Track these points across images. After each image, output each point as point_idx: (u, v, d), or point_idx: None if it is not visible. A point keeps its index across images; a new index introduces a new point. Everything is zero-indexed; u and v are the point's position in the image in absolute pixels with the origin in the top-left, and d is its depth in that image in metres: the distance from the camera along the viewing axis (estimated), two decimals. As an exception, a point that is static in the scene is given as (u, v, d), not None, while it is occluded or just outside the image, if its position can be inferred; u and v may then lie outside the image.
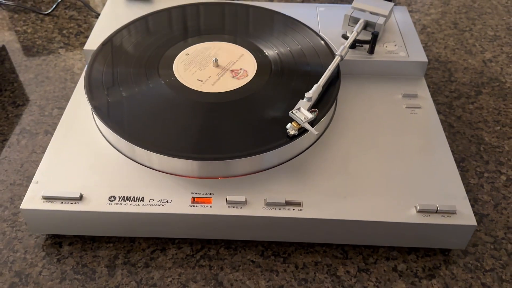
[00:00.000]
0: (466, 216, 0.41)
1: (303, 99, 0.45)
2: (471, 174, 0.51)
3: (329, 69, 0.48)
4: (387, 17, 0.55)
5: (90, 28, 0.70)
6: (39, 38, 0.68)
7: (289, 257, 0.43)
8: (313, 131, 0.42)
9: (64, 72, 0.62)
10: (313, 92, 0.45)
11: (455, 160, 0.51)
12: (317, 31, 0.56)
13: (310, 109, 0.44)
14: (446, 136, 0.49)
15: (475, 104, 0.59)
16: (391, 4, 0.56)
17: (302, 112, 0.43)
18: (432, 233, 0.41)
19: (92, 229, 0.42)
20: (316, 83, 0.47)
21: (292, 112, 0.43)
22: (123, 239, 0.44)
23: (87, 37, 0.68)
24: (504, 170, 0.51)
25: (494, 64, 0.65)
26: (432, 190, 0.43)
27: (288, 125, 0.43)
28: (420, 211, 0.41)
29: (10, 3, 0.73)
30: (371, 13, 0.55)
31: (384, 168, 0.44)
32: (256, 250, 0.43)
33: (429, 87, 0.61)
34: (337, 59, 0.49)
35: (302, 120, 0.42)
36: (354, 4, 0.56)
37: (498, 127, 0.56)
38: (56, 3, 0.72)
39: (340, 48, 0.50)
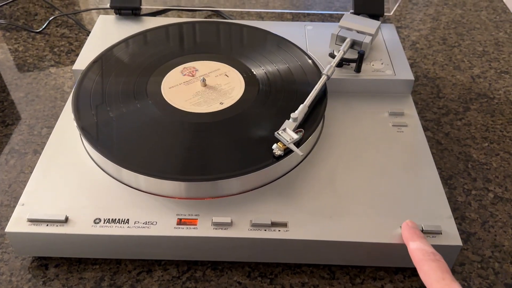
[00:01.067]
0: (451, 236, 0.41)
1: (289, 119, 0.45)
2: (459, 191, 0.51)
3: (316, 89, 0.48)
4: (374, 36, 0.56)
5: (81, 46, 0.70)
6: (30, 56, 0.68)
7: (276, 278, 0.43)
8: (298, 152, 0.43)
9: (54, 91, 0.62)
10: (299, 112, 0.45)
11: (443, 178, 0.52)
12: (305, 50, 0.57)
13: (296, 129, 0.44)
14: (433, 153, 0.49)
15: (463, 120, 0.59)
16: (378, 22, 0.57)
17: (287, 133, 0.43)
18: (418, 253, 0.41)
19: (78, 251, 0.42)
20: (303, 102, 0.47)
21: (277, 133, 0.44)
22: (109, 260, 0.44)
23: (78, 55, 0.68)
24: (491, 187, 0.51)
25: (482, 80, 0.66)
26: (418, 210, 0.43)
27: (274, 146, 0.43)
28: (405, 231, 0.41)
29: (2, 21, 0.74)
30: (358, 31, 0.56)
31: (370, 187, 0.44)
32: (243, 271, 0.43)
33: (417, 103, 0.61)
34: (323, 79, 0.50)
35: (287, 141, 0.43)
36: (341, 23, 0.57)
37: (486, 144, 0.56)
38: (47, 21, 0.73)
39: (327, 67, 0.50)
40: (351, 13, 0.63)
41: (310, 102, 0.47)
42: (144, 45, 0.57)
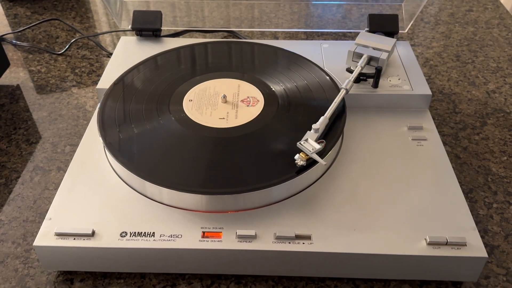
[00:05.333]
0: (476, 248, 0.41)
1: (310, 130, 0.46)
2: (480, 205, 0.51)
3: (335, 102, 0.49)
4: (390, 52, 0.57)
5: (101, 66, 0.72)
6: (53, 77, 0.70)
7: (299, 292, 0.43)
8: (321, 161, 0.43)
9: (77, 110, 0.64)
10: (320, 123, 0.46)
11: (463, 191, 0.52)
12: (322, 67, 0.58)
13: (318, 140, 0.45)
14: (453, 167, 0.49)
15: (481, 135, 0.60)
16: (394, 40, 0.58)
17: (309, 143, 0.44)
18: (443, 265, 0.41)
19: (104, 265, 0.42)
20: (323, 115, 0.48)
21: (300, 143, 0.44)
22: (134, 275, 0.44)
23: (99, 75, 0.70)
24: (513, 200, 0.51)
25: (497, 95, 0.66)
26: (441, 222, 0.43)
27: (296, 156, 0.44)
28: (430, 244, 0.41)
29: (25, 44, 0.76)
30: (374, 48, 0.57)
31: (392, 200, 0.45)
32: (267, 285, 0.43)
33: (434, 118, 0.62)
34: (342, 92, 0.50)
35: (310, 151, 0.43)
36: (357, 40, 0.58)
37: (505, 157, 0.56)
38: (69, 44, 0.75)
39: (345, 81, 0.51)
40: (366, 31, 0.64)
41: (330, 114, 0.48)
42: (167, 64, 0.58)
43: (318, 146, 0.44)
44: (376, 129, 0.52)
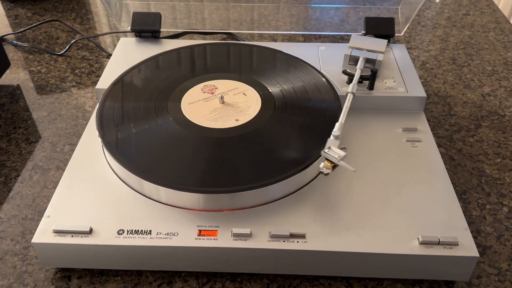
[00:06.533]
0: (468, 248, 0.41)
1: (330, 138, 0.45)
2: (473, 206, 0.51)
3: (346, 107, 0.49)
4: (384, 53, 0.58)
5: (101, 67, 0.73)
6: (52, 77, 0.71)
7: (294, 290, 0.43)
8: (350, 168, 0.43)
9: (76, 110, 0.64)
10: (339, 129, 0.46)
11: (457, 192, 0.52)
12: (319, 69, 0.59)
13: (340, 147, 0.45)
14: (447, 168, 0.50)
15: (475, 137, 0.60)
16: (385, 41, 0.59)
17: (334, 151, 0.44)
18: (435, 264, 0.42)
19: (101, 262, 0.43)
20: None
21: (324, 152, 0.44)
22: (131, 272, 0.44)
23: (98, 76, 0.71)
24: (506, 202, 0.52)
25: (492, 98, 0.67)
26: (434, 222, 0.43)
27: (321, 165, 0.43)
28: (422, 243, 0.41)
29: (25, 44, 0.77)
30: (368, 50, 0.57)
31: (386, 200, 0.45)
32: (262, 283, 0.44)
33: (429, 121, 0.62)
34: (350, 97, 0.51)
35: (336, 158, 0.43)
36: (351, 44, 0.58)
37: (499, 160, 0.57)
38: (69, 44, 0.76)
39: (350, 86, 0.52)
40: (362, 34, 0.65)
41: (344, 119, 0.48)
42: (166, 65, 0.59)
43: (343, 153, 0.43)
44: (371, 130, 0.53)
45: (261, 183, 0.43)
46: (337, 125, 0.47)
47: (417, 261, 0.41)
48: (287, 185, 0.45)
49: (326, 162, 0.43)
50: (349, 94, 0.51)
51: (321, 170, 0.43)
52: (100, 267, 0.44)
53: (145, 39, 0.67)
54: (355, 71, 0.55)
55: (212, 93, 0.54)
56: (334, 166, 0.43)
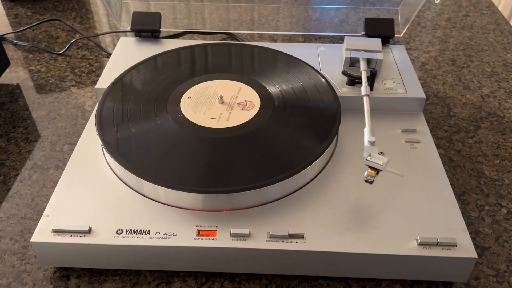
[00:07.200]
0: (466, 249, 0.41)
1: (366, 144, 0.44)
2: (472, 207, 0.51)
3: (367, 111, 0.49)
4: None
5: (101, 67, 0.73)
6: (52, 76, 0.71)
7: (292, 290, 0.43)
8: (398, 173, 0.42)
9: (76, 109, 0.64)
10: (372, 134, 0.45)
11: (456, 194, 0.52)
12: (318, 69, 0.59)
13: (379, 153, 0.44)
14: (446, 170, 0.50)
15: (474, 138, 0.60)
16: (379, 39, 0.59)
17: (376, 157, 0.43)
18: (433, 265, 0.42)
19: (100, 261, 0.43)
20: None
21: (368, 160, 0.43)
22: (129, 272, 0.45)
23: (98, 75, 0.71)
24: (504, 203, 0.52)
25: (492, 99, 0.67)
26: (432, 223, 0.43)
27: (365, 174, 0.43)
28: (421, 244, 0.41)
29: (25, 43, 0.77)
30: (366, 51, 0.57)
31: (385, 201, 0.45)
32: (260, 283, 0.44)
33: (428, 122, 0.62)
34: (367, 100, 0.51)
35: (382, 166, 0.42)
36: (347, 46, 0.58)
37: (498, 161, 0.57)
38: (69, 44, 0.76)
39: (363, 89, 0.52)
40: (362, 35, 0.65)
41: (370, 122, 0.47)
42: (166, 65, 0.59)
43: (386, 159, 0.42)
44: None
45: (260, 183, 0.43)
46: (367, 130, 0.46)
47: (415, 262, 0.41)
48: (286, 185, 0.45)
49: (370, 170, 0.42)
50: (364, 97, 0.51)
51: (366, 179, 0.43)
52: (99, 266, 0.44)
53: (145, 39, 0.67)
54: (360, 73, 0.55)
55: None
56: (378, 173, 0.42)
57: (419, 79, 0.70)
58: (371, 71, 0.54)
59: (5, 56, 0.69)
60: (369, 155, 0.43)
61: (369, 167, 0.43)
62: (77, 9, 0.88)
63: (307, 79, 0.56)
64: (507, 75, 0.72)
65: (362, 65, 0.55)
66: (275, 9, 0.86)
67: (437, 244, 0.41)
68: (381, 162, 0.42)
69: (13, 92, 0.68)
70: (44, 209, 0.45)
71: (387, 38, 0.64)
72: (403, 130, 0.53)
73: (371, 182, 0.43)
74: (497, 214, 0.51)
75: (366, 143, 0.45)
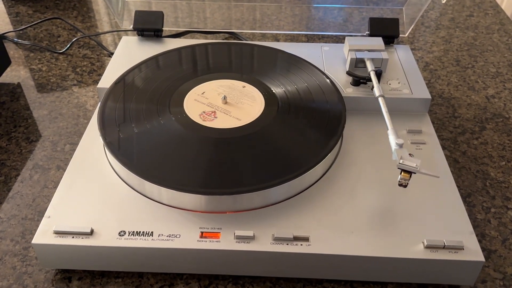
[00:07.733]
0: (473, 252, 0.41)
1: (395, 147, 0.43)
2: (478, 209, 0.51)
3: (386, 112, 0.48)
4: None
5: (102, 66, 0.72)
6: (53, 76, 0.70)
7: (297, 293, 0.43)
8: (434, 175, 0.41)
9: (77, 109, 0.64)
10: (398, 137, 0.44)
11: (461, 196, 0.52)
12: (322, 69, 0.58)
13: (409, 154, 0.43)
14: (451, 171, 0.49)
15: (480, 139, 0.60)
16: (380, 38, 0.59)
17: (408, 160, 0.42)
18: (440, 269, 0.41)
19: (102, 263, 0.43)
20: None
21: (400, 163, 0.42)
22: (132, 274, 0.44)
23: (100, 74, 0.70)
24: (511, 205, 0.51)
25: (497, 100, 0.67)
26: (439, 226, 0.43)
27: (399, 177, 0.42)
28: (427, 247, 0.41)
29: (26, 42, 0.76)
30: (369, 50, 0.57)
31: (390, 203, 0.45)
32: (264, 286, 0.43)
33: (433, 123, 0.62)
34: (382, 101, 0.50)
35: (416, 168, 0.41)
36: (350, 46, 0.58)
37: (503, 162, 0.56)
38: (70, 43, 0.75)
39: (375, 90, 0.52)
40: (367, 34, 0.64)
41: (392, 125, 0.46)
42: (169, 64, 0.58)
43: (418, 160, 0.41)
44: (375, 132, 0.52)
45: (265, 184, 0.43)
46: (392, 132, 0.45)
47: (421, 265, 0.41)
48: (291, 187, 0.44)
49: (403, 174, 0.41)
50: (379, 98, 0.50)
51: (400, 183, 0.42)
52: (101, 268, 0.43)
53: (147, 38, 0.66)
54: (368, 73, 0.54)
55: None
56: (411, 175, 0.41)
57: (423, 80, 0.70)
58: (375, 71, 0.54)
59: (6, 55, 0.68)
60: (401, 159, 0.42)
61: (402, 170, 0.41)
62: (78, 7, 0.88)
63: (312, 80, 0.56)
64: (512, 76, 0.71)
65: (369, 66, 0.55)
66: (278, 8, 0.86)
67: (444, 247, 0.41)
68: (415, 164, 0.41)
69: (14, 91, 0.67)
70: (45, 210, 0.44)
71: (391, 38, 0.64)
72: (409, 131, 0.52)
73: (405, 186, 0.42)
74: (503, 216, 0.50)
75: (394, 146, 0.43)
